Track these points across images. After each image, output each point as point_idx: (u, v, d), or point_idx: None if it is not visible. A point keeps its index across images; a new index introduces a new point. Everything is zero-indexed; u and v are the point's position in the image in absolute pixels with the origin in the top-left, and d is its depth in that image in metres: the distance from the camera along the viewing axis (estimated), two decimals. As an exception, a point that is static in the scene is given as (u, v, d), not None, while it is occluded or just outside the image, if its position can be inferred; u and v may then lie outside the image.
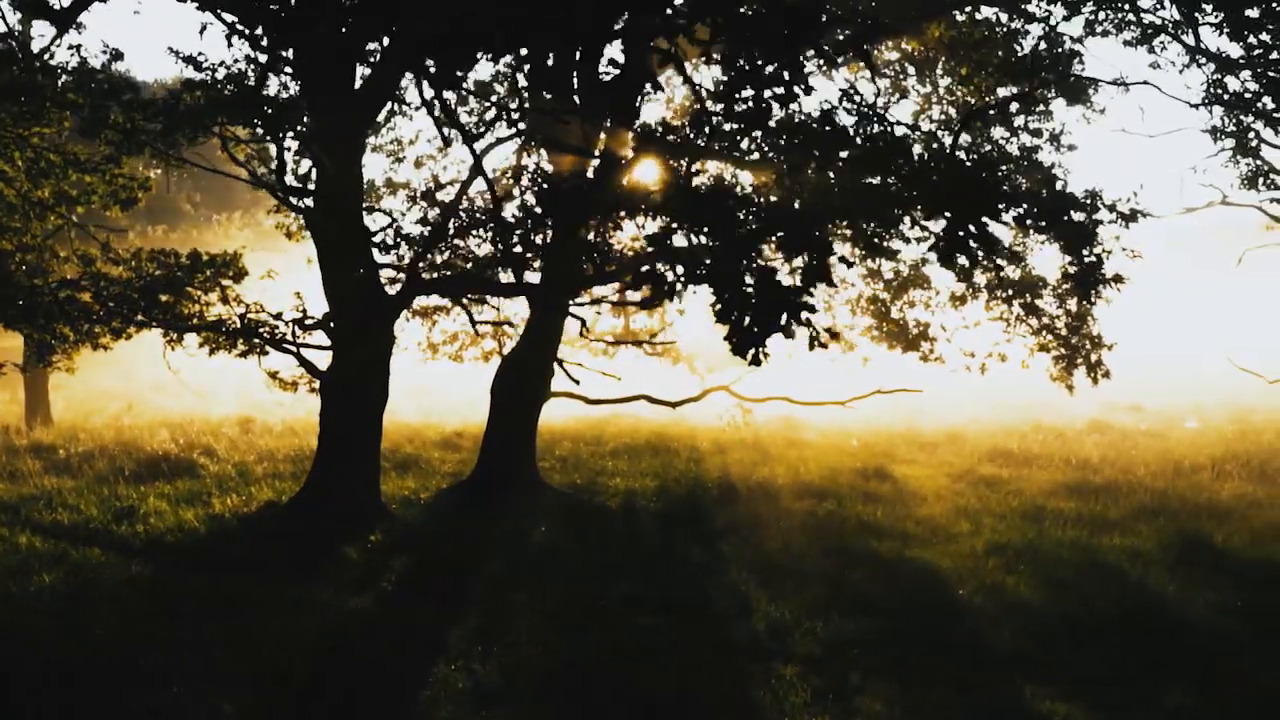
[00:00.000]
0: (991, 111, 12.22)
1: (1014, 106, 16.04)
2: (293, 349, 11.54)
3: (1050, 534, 11.34)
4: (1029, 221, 9.27)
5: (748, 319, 6.49)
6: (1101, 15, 13.08)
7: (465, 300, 13.65)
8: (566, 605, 8.44)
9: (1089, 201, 10.17)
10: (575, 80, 10.65)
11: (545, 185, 8.82)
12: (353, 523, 11.07)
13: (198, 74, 10.91)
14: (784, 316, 6.37)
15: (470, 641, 7.36)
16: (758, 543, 10.75)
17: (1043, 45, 14.46)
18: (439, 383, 29.04)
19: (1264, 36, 10.06)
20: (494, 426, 13.58)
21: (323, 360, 11.98)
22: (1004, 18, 12.48)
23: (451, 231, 11.20)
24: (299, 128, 10.88)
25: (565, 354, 18.26)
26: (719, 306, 6.68)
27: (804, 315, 6.51)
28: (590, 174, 11.71)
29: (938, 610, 8.30)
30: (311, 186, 11.36)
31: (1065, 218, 9.73)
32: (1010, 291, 13.07)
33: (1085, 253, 10.28)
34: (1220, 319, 44.17)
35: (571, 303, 12.77)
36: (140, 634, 7.34)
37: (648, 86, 9.57)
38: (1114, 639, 7.63)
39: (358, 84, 10.98)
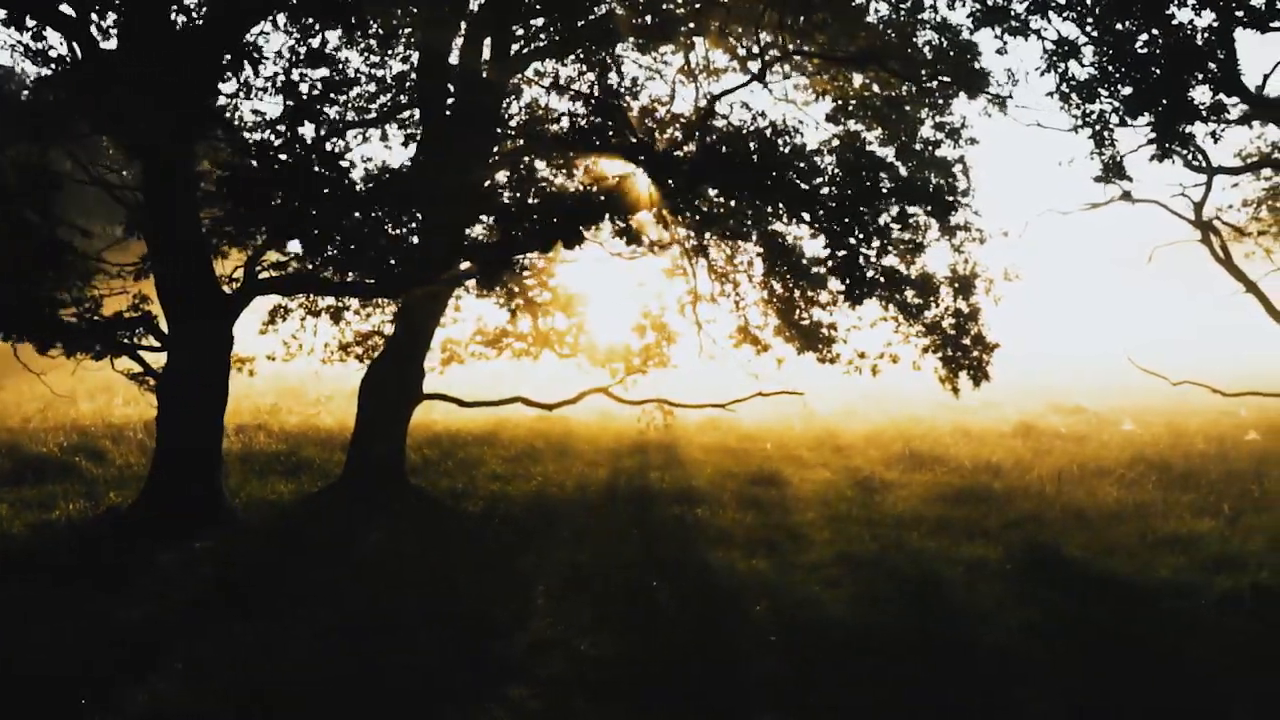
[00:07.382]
0: (738, 88, 11.67)
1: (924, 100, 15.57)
2: (128, 350, 11.24)
3: (909, 543, 10.91)
4: (808, 215, 8.77)
5: None
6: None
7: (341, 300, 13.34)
8: (352, 619, 8.10)
9: (890, 195, 9.63)
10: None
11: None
12: (187, 529, 10.78)
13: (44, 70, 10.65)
14: None
15: (210, 660, 7.03)
16: (589, 552, 10.37)
17: (935, 38, 14.02)
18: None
19: (1101, 12, 9.52)
20: (360, 430, 13.25)
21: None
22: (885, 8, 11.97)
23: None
24: (129, 123, 10.57)
25: (476, 353, 17.91)
26: None
27: None
28: None
29: (719, 627, 7.90)
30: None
31: (860, 210, 9.23)
32: (888, 291, 12.57)
33: (851, 244, 9.67)
34: (1169, 319, 43.45)
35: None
36: None
37: None
38: (894, 662, 7.21)
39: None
